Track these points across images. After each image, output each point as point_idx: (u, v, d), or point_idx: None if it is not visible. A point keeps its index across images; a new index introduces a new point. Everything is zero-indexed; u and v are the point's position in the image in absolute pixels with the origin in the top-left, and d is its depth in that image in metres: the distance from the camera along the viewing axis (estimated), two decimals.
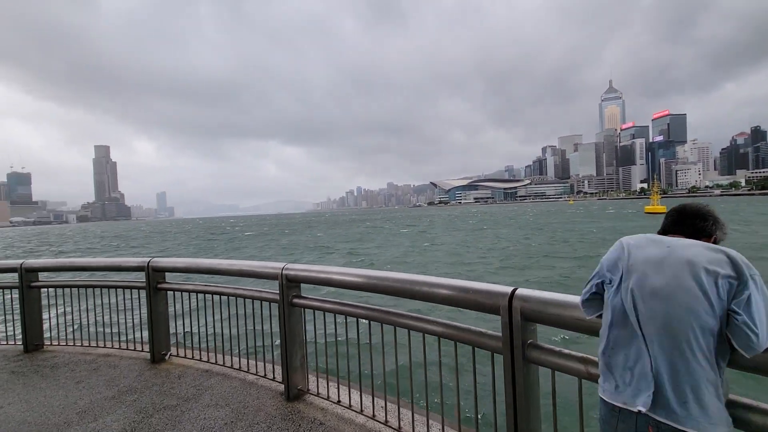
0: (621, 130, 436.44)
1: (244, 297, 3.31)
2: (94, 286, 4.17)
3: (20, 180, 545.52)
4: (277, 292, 2.95)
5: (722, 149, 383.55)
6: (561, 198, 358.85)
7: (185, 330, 4.21)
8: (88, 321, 4.22)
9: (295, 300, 2.90)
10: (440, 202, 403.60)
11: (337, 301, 2.70)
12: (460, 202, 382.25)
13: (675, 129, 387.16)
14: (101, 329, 4.33)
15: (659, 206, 72.69)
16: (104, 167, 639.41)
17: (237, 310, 3.35)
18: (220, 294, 3.47)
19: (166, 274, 3.87)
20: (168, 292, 3.84)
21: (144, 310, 3.88)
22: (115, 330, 4.31)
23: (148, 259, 3.79)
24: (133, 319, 4.11)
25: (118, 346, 4.27)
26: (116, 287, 4.07)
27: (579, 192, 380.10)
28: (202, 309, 3.63)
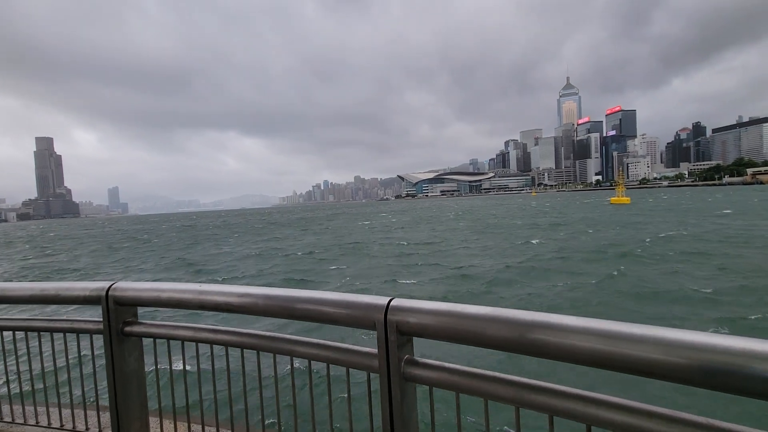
0: (578, 124, 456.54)
1: (48, 330, 2.45)
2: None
3: None
4: (100, 320, 2.26)
5: (668, 143, 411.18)
6: (523, 190, 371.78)
7: None
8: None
9: (129, 328, 2.24)
10: (407, 195, 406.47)
11: (189, 325, 2.14)
12: (426, 195, 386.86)
13: (626, 124, 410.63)
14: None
15: (624, 198, 76.42)
16: (47, 161, 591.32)
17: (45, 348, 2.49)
18: (12, 329, 2.59)
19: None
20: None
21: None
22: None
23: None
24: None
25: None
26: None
27: (539, 184, 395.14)
28: None
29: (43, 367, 2.48)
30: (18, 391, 2.69)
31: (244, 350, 2.00)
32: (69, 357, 2.40)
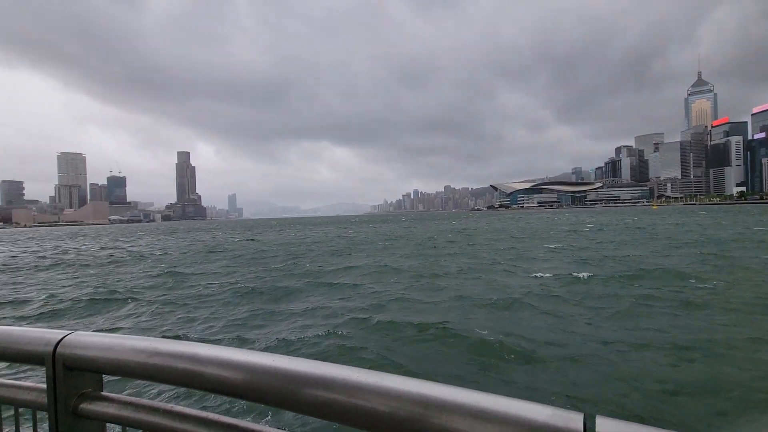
0: (712, 126, 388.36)
1: None
2: None
3: (117, 183, 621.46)
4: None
5: None
6: (639, 203, 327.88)
7: None
8: None
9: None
10: (501, 206, 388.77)
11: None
12: (522, 207, 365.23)
13: None
14: None
15: None
16: (185, 171, 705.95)
17: None
18: None
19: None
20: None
21: None
22: None
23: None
24: None
25: None
26: None
27: (660, 196, 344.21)
28: None
29: None
30: None
31: None
32: None
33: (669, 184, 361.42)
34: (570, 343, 8.28)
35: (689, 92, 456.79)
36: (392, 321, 10.15)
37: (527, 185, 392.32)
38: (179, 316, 11.97)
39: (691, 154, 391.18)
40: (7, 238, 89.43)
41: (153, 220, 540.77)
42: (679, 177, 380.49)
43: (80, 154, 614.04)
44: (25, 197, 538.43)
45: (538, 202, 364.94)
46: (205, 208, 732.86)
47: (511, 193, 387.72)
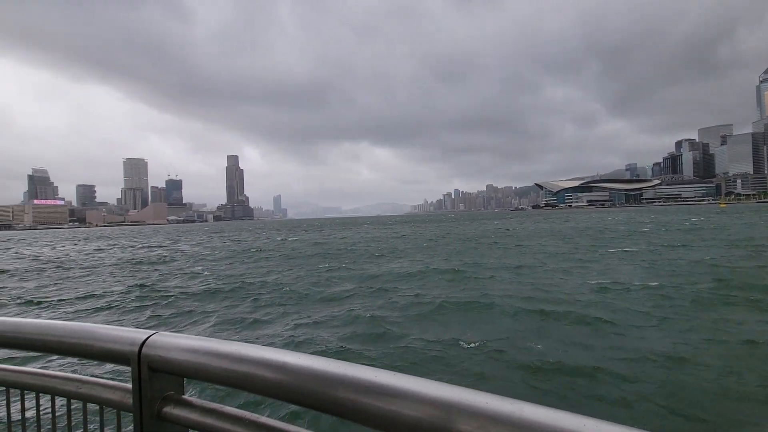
0: None
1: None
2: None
3: (174, 186, 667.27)
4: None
5: None
6: (704, 201, 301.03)
7: None
8: None
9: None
10: (547, 206, 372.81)
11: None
12: (570, 206, 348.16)
13: None
14: None
15: None
16: (234, 174, 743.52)
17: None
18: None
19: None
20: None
21: None
22: None
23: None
24: None
25: None
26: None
27: (729, 193, 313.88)
28: None
29: None
30: None
31: None
32: None
33: (739, 181, 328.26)
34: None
35: (761, 79, 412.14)
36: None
37: (576, 183, 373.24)
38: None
39: (765, 147, 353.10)
40: (92, 236, 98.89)
41: (206, 220, 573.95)
42: (751, 172, 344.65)
43: (142, 160, 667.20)
44: (97, 199, 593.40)
45: (588, 201, 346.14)
46: (253, 209, 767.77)
47: (558, 191, 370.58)
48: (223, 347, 1.22)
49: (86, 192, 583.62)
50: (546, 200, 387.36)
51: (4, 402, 1.64)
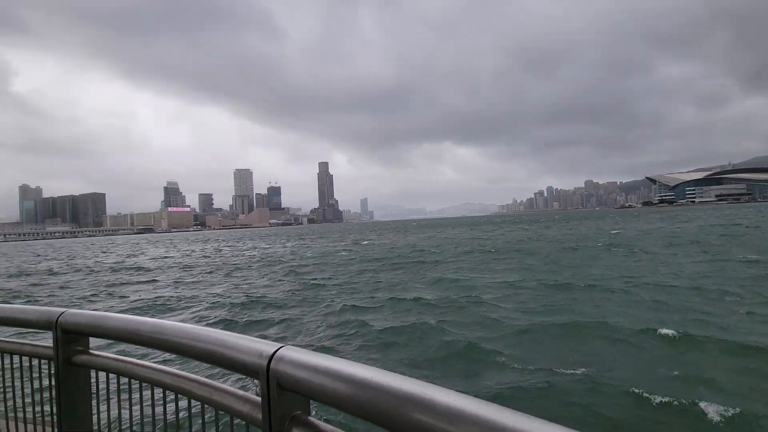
0: None
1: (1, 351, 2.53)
2: None
3: (274, 192, 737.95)
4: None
5: None
6: None
7: None
8: None
9: (77, 358, 2.09)
10: (662, 202, 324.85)
11: (137, 362, 1.92)
12: (692, 201, 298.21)
13: None
14: None
15: None
16: (325, 179, 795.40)
17: None
18: None
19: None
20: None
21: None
22: None
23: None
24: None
25: None
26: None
27: None
28: None
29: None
30: None
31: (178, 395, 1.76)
32: (17, 379, 2.43)
33: None
34: None
35: None
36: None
37: (699, 175, 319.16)
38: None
39: None
40: (227, 237, 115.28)
41: (301, 223, 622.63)
42: None
43: (248, 170, 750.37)
44: (214, 206, 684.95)
45: (718, 196, 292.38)
46: (342, 212, 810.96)
47: (676, 185, 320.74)
48: (352, 370, 1.13)
49: (206, 200, 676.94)
50: (661, 195, 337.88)
51: (149, 400, 1.84)
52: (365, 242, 57.78)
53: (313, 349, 1.60)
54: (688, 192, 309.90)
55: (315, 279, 22.27)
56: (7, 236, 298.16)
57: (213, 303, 16.75)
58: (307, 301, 16.16)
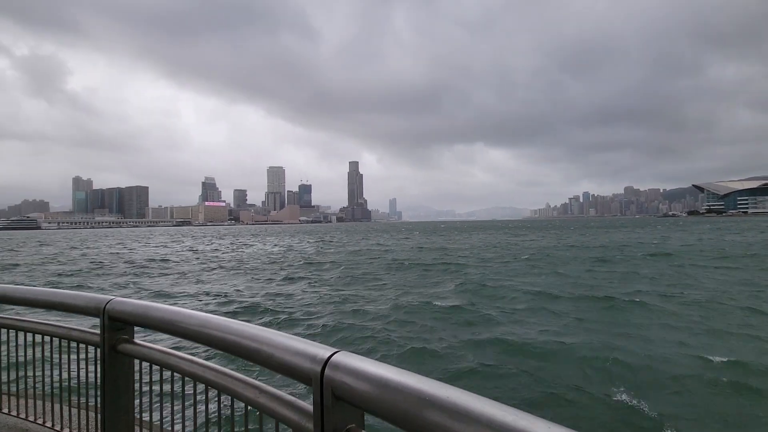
0: None
1: (48, 334, 2.60)
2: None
3: (305, 190, 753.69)
4: (97, 332, 2.17)
5: None
6: None
7: None
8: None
9: (122, 346, 2.14)
10: (710, 211, 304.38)
11: (180, 355, 1.92)
12: (744, 212, 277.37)
13: None
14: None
15: None
16: (354, 178, 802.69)
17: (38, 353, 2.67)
18: (18, 329, 2.78)
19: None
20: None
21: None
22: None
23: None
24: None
25: None
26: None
27: None
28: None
29: (43, 369, 2.63)
30: (21, 387, 2.90)
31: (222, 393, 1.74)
32: (65, 363, 2.55)
33: None
34: None
35: None
36: None
37: (754, 184, 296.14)
38: None
39: None
40: (253, 232, 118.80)
41: (330, 221, 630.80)
42: None
43: (281, 168, 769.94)
44: (247, 202, 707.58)
45: None
46: (370, 212, 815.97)
47: (726, 194, 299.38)
48: (410, 382, 1.01)
49: (240, 195, 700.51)
50: (708, 204, 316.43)
51: (191, 394, 1.83)
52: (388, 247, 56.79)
53: (375, 358, 1.46)
54: (740, 201, 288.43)
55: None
56: (61, 224, 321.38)
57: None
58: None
